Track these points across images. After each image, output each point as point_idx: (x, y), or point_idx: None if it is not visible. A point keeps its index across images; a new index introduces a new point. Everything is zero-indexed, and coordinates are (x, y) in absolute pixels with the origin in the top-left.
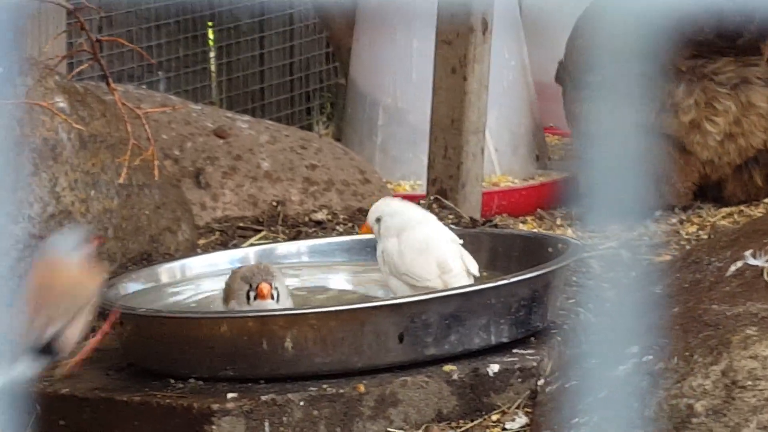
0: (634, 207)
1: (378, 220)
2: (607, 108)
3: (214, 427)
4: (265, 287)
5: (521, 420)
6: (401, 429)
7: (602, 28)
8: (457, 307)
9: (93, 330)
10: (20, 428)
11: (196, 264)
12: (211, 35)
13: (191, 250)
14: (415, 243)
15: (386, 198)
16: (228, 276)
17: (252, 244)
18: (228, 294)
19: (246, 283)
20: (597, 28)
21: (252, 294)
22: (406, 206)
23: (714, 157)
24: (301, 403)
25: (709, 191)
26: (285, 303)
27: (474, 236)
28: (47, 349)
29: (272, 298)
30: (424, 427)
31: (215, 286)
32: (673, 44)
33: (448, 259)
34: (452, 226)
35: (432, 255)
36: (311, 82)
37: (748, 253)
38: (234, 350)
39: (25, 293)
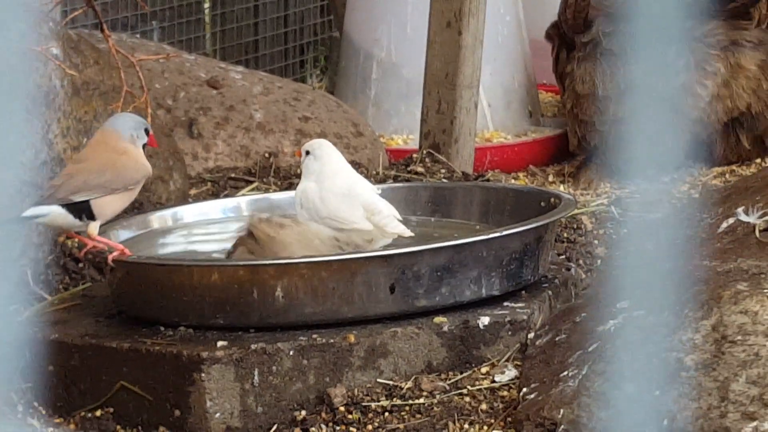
0: (642, 161)
1: (307, 153)
2: (603, 68)
3: (203, 374)
4: None
5: (511, 373)
6: (391, 380)
7: None
8: (448, 259)
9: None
10: (10, 374)
11: (187, 212)
12: None
13: (183, 200)
14: (336, 188)
15: (324, 141)
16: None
17: (244, 195)
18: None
19: None
20: None
21: None
22: (334, 156)
23: (703, 117)
24: (291, 353)
25: (699, 152)
26: None
27: (467, 190)
28: (83, 211)
29: None
30: (413, 378)
31: (206, 235)
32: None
33: (375, 201)
34: (444, 180)
35: (356, 199)
36: (305, 35)
37: (740, 209)
38: (224, 299)
39: (75, 155)
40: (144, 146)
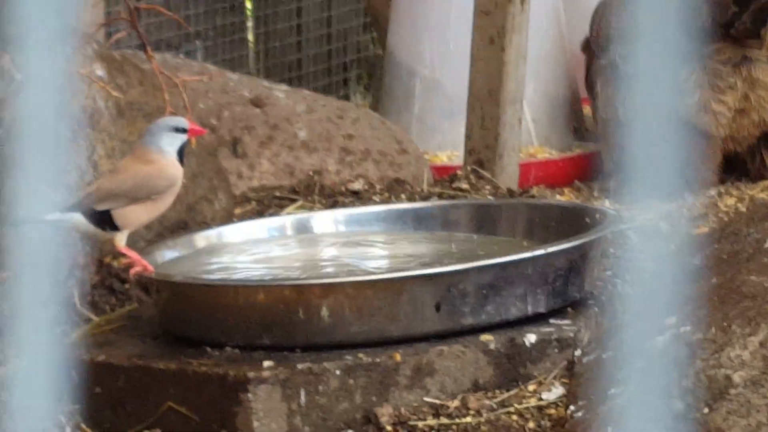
0: (669, 184)
1: None
2: (623, 92)
3: (249, 395)
4: None
5: (558, 390)
6: (437, 398)
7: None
8: (494, 277)
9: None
10: (57, 395)
11: (232, 232)
12: (248, 4)
13: (227, 219)
14: None
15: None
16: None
17: (289, 214)
18: None
19: None
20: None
21: None
22: None
23: (733, 133)
24: (337, 372)
25: (737, 167)
26: None
27: (512, 206)
28: (106, 221)
29: None
30: (460, 396)
31: (252, 255)
32: (681, 25)
33: None
34: (489, 197)
35: None
36: (349, 53)
37: None
38: (270, 318)
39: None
40: (183, 148)
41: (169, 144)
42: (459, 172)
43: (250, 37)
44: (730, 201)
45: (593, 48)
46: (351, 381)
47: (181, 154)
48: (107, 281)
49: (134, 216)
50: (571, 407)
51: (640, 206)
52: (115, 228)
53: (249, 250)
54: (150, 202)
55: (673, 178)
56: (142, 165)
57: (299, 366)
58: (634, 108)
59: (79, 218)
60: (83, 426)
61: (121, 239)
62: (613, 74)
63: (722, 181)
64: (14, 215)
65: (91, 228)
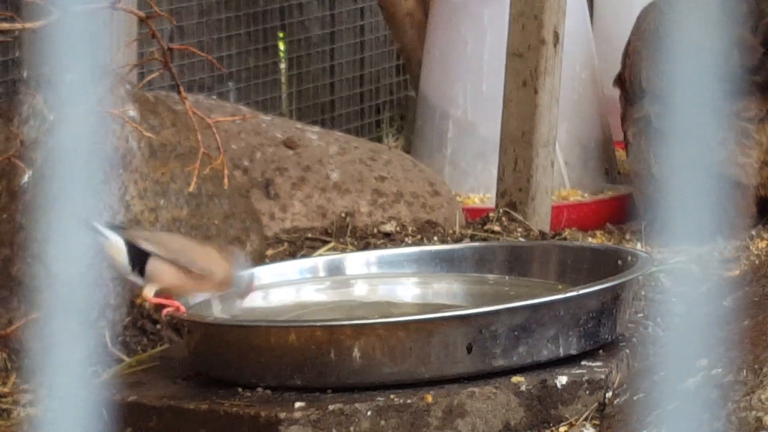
0: (701, 230)
1: None
2: (655, 147)
3: None
4: None
5: None
6: None
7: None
8: (525, 319)
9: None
10: None
11: (265, 273)
12: (281, 46)
13: (260, 261)
14: None
15: None
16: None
17: (321, 255)
18: None
19: None
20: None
21: None
22: None
23: (763, 181)
24: (369, 413)
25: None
26: None
27: (543, 248)
28: (138, 262)
29: None
30: None
31: (284, 296)
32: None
33: None
34: (521, 239)
35: None
36: (381, 95)
37: None
38: (302, 359)
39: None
40: (239, 284)
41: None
42: (491, 215)
43: (283, 78)
44: (762, 244)
45: (627, 89)
46: (382, 422)
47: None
48: (139, 322)
49: (166, 275)
50: None
51: (672, 249)
52: (141, 274)
53: (281, 291)
54: (186, 273)
55: (706, 223)
56: (200, 246)
57: (330, 407)
58: (667, 162)
59: (118, 242)
60: None
61: (150, 290)
62: (646, 128)
63: (754, 225)
64: (55, 253)
65: (123, 259)
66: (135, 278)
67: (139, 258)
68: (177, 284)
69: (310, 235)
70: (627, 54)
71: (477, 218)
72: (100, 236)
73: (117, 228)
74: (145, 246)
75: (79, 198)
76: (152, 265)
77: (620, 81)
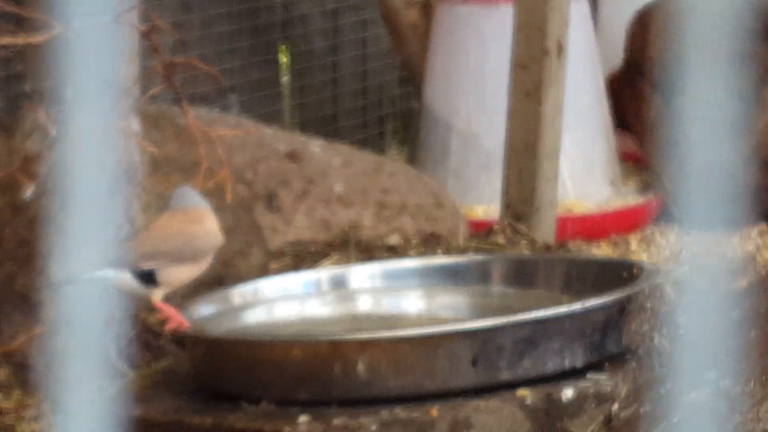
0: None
1: None
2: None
3: None
4: None
5: None
6: None
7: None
8: (531, 332)
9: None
10: None
11: (268, 287)
12: (284, 59)
13: (263, 274)
14: None
15: None
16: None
17: (324, 268)
18: None
19: None
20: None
21: None
22: None
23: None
24: (374, 427)
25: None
26: None
27: (548, 261)
28: (149, 279)
29: None
30: None
31: (288, 310)
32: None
33: None
34: (526, 251)
35: None
36: (384, 106)
37: None
38: (306, 374)
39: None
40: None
41: (206, 203)
42: (495, 227)
43: (286, 91)
44: None
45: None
46: None
47: None
48: (143, 336)
49: (177, 276)
50: None
51: (676, 259)
52: (156, 285)
53: (285, 304)
54: (193, 263)
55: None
56: (189, 223)
57: (335, 421)
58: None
59: (125, 276)
60: None
61: (158, 295)
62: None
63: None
64: (60, 273)
65: (134, 285)
66: (156, 292)
67: (146, 275)
68: (191, 278)
69: (313, 248)
70: (645, 33)
71: (481, 230)
72: (108, 281)
73: (116, 261)
74: (149, 265)
75: (84, 213)
76: (164, 276)
77: (634, 66)
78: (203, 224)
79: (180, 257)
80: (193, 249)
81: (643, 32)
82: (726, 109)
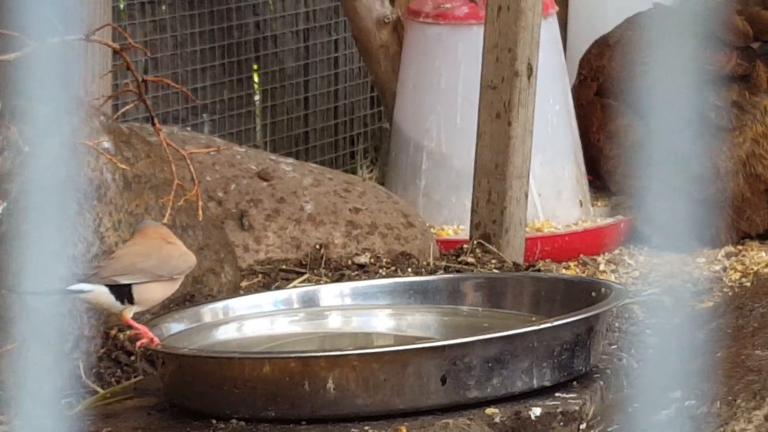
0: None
1: None
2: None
3: None
4: None
5: None
6: None
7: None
8: (499, 350)
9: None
10: None
11: (239, 305)
12: (256, 78)
13: (234, 292)
14: None
15: None
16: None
17: (295, 287)
18: None
19: None
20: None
21: None
22: None
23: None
24: None
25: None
26: None
27: (517, 280)
28: (125, 295)
29: None
30: None
31: (258, 327)
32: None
33: None
34: (495, 270)
35: None
36: (356, 126)
37: None
38: (276, 391)
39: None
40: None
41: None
42: (465, 246)
43: (258, 110)
44: (735, 275)
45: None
46: None
47: None
48: (113, 353)
49: (153, 294)
50: None
51: (645, 280)
52: (131, 302)
53: (255, 322)
54: (169, 282)
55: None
56: (164, 242)
57: None
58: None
59: (101, 290)
60: None
61: (129, 311)
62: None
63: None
64: (31, 288)
65: (110, 301)
66: (128, 309)
67: (124, 290)
68: (164, 296)
69: (284, 267)
70: (603, 59)
71: (451, 250)
72: (83, 294)
73: (91, 277)
74: (125, 281)
75: (54, 229)
76: (139, 294)
77: (597, 90)
78: (177, 244)
79: (157, 275)
80: (168, 268)
81: (602, 53)
82: (693, 127)
